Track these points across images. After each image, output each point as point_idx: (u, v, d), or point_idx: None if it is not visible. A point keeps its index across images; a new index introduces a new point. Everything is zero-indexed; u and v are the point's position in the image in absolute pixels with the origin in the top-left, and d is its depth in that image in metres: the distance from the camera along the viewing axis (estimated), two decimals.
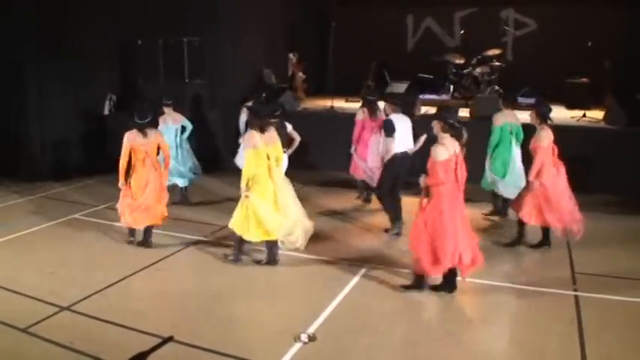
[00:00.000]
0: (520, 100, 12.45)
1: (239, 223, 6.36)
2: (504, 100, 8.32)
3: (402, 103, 8.04)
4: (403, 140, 7.49)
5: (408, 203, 7.45)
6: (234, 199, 9.10)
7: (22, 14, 9.90)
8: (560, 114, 11.69)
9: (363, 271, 6.35)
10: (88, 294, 5.68)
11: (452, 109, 5.94)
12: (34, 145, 10.41)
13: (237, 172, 6.50)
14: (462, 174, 5.50)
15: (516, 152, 8.02)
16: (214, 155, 11.50)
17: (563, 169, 6.89)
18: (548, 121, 6.88)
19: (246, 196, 6.24)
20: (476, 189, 7.84)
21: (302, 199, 9.19)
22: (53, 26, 10.14)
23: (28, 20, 9.92)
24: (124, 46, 12.13)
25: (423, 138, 7.58)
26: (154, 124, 7.75)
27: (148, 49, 11.76)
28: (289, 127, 8.03)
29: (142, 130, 6.77)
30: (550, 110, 6.96)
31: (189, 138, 8.95)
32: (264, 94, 9.43)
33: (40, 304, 5.44)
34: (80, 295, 5.64)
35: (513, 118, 8.06)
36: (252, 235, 6.36)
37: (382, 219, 8.11)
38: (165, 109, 8.64)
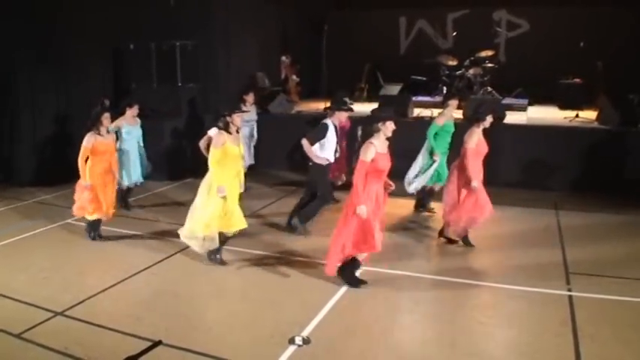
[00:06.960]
0: (513, 100, 12.56)
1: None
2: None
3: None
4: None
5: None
6: None
7: (14, 19, 9.87)
8: (553, 114, 11.76)
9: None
10: (82, 299, 5.66)
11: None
12: (27, 151, 10.36)
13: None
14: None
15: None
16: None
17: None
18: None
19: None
20: None
21: (289, 200, 9.25)
22: (45, 31, 10.12)
23: (21, 25, 9.89)
24: (117, 50, 12.10)
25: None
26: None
27: (140, 53, 11.73)
28: None
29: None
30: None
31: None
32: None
33: (34, 309, 5.42)
34: (74, 300, 5.62)
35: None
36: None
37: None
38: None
